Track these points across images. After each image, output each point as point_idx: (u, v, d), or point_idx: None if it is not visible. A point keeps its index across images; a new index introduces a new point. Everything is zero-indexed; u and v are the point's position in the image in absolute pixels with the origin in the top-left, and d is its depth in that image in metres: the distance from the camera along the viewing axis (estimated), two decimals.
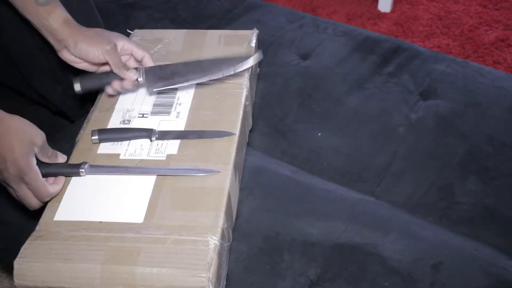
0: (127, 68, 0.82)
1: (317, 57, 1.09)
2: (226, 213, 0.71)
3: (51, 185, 0.71)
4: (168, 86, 0.83)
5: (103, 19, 1.02)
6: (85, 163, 0.74)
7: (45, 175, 0.71)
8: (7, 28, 0.89)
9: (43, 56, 0.91)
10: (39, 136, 0.70)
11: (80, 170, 0.73)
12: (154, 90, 0.84)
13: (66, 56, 0.81)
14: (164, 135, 0.79)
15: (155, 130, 0.79)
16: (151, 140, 0.79)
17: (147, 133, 0.79)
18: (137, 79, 0.82)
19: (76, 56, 0.80)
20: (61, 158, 0.75)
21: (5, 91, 1.06)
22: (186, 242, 0.66)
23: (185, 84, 0.83)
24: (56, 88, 0.97)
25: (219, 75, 0.83)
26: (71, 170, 0.74)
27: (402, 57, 1.08)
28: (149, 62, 0.84)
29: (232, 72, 0.83)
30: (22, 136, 0.68)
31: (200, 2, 1.25)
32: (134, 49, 0.84)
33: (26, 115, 0.89)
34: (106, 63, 0.81)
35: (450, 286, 0.70)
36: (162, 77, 0.83)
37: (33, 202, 0.71)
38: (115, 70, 0.81)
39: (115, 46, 0.80)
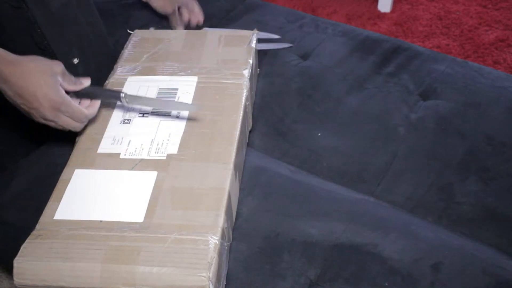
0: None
1: (317, 57, 1.09)
2: (226, 212, 0.71)
3: (86, 108, 0.77)
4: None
5: (103, 19, 1.02)
6: (122, 92, 0.80)
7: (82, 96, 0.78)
8: (7, 28, 0.89)
9: (43, 56, 0.91)
10: (57, 65, 0.74)
11: (121, 95, 0.79)
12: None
13: None
14: (133, 99, 0.82)
15: (125, 94, 0.80)
16: (121, 102, 0.81)
17: (116, 95, 0.81)
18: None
19: None
20: (86, 81, 0.78)
21: None
22: (186, 242, 0.66)
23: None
24: None
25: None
26: (112, 94, 0.82)
27: (402, 57, 1.08)
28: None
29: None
30: (44, 70, 0.72)
31: (200, 2, 1.25)
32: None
33: (26, 115, 0.89)
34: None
35: (450, 286, 0.70)
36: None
37: (76, 125, 0.77)
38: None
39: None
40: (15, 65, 0.71)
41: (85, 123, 0.79)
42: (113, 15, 1.19)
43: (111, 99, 0.83)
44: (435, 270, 0.72)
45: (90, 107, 0.78)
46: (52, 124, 0.76)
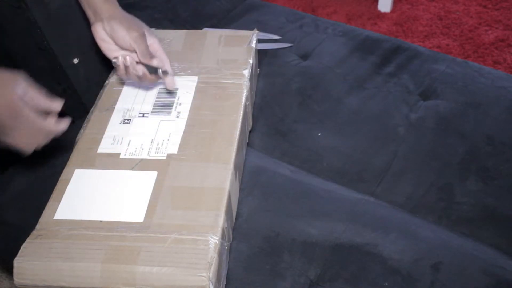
0: (152, 56, 0.82)
1: (317, 57, 1.09)
2: (226, 212, 0.71)
3: (54, 124, 0.71)
4: None
5: None
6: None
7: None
8: (7, 28, 0.89)
9: (43, 56, 0.91)
10: (15, 75, 0.69)
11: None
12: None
13: (98, 30, 0.81)
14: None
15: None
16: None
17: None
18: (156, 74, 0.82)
19: (106, 32, 0.81)
20: (57, 101, 0.72)
21: None
22: (187, 242, 0.66)
23: None
24: (56, 88, 0.97)
25: None
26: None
27: (402, 57, 1.08)
28: (168, 70, 0.85)
29: None
30: (2, 75, 0.69)
31: (200, 2, 1.25)
32: (160, 52, 0.84)
33: None
34: (129, 51, 0.81)
35: (450, 286, 0.70)
36: None
37: (34, 140, 0.71)
38: (141, 57, 0.81)
39: (144, 34, 0.80)
40: None
41: (46, 140, 0.72)
42: None
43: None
44: (435, 270, 0.72)
45: (59, 122, 0.71)
46: (13, 137, 0.69)
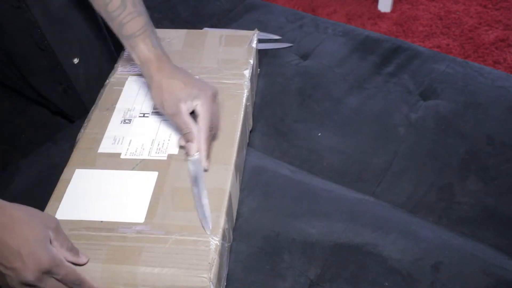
0: (185, 141, 0.75)
1: (317, 57, 1.09)
2: (227, 213, 0.71)
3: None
4: None
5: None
6: None
7: None
8: (7, 28, 0.89)
9: (43, 56, 0.91)
10: (51, 219, 0.60)
11: None
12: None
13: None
14: None
15: None
16: None
17: None
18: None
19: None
20: (83, 257, 0.63)
21: (5, 91, 1.06)
22: (187, 242, 0.66)
23: None
24: (56, 88, 0.98)
25: None
26: None
27: (402, 57, 1.08)
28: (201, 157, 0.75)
29: None
30: (34, 221, 0.57)
31: (200, 2, 1.25)
32: (201, 138, 0.74)
33: (26, 115, 0.89)
34: None
35: (450, 286, 0.71)
36: None
37: None
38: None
39: (179, 112, 0.72)
40: None
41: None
42: None
43: None
44: (435, 270, 0.72)
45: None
46: None
